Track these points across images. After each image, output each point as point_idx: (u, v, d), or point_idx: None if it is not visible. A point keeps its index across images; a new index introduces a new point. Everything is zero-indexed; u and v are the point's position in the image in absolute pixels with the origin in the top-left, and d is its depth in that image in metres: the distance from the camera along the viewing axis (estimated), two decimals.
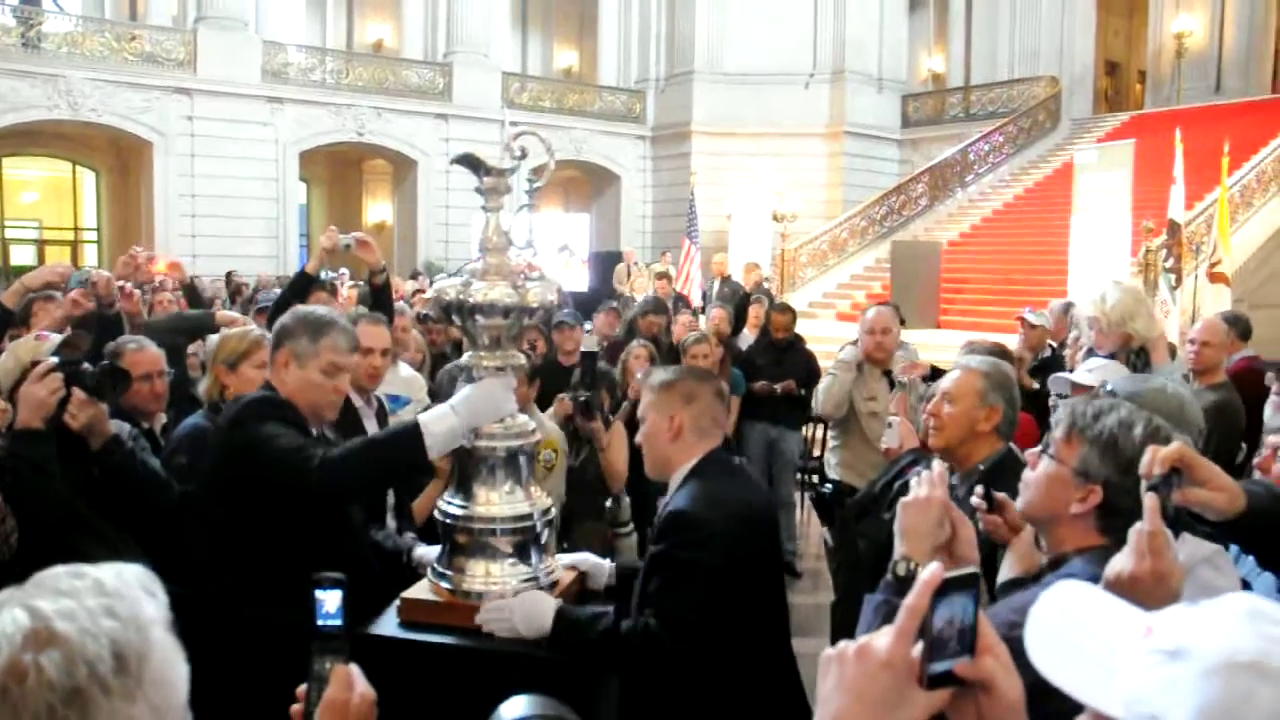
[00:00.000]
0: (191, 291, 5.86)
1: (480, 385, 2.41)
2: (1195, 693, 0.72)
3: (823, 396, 5.02)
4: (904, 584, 1.60)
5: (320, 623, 1.45)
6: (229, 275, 13.54)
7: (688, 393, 2.43)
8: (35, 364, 2.64)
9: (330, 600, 1.45)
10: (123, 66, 18.10)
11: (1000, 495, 2.05)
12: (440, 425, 2.32)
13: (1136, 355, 3.86)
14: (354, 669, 1.39)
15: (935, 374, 4.88)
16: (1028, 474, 1.84)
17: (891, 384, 4.89)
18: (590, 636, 2.23)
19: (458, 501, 2.44)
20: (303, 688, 1.40)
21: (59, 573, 0.85)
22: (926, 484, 1.74)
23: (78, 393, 2.61)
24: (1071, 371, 4.48)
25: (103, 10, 21.25)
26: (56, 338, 3.10)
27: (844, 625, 2.38)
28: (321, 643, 1.42)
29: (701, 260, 16.18)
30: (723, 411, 2.50)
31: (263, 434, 2.38)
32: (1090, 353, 4.02)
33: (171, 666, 0.85)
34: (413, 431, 2.31)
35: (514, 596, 2.33)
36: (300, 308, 2.80)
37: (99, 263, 19.33)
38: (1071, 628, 0.84)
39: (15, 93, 17.00)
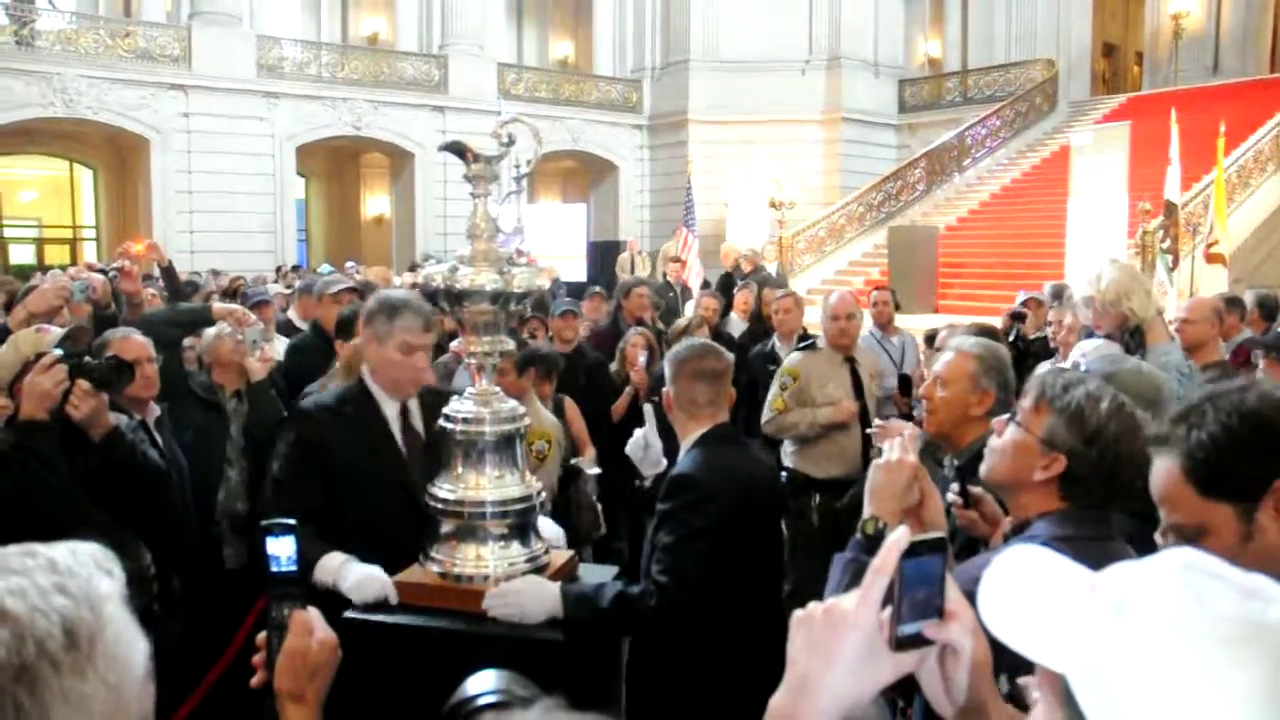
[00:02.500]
0: (169, 274, 5.87)
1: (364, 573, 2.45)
2: (1130, 641, 0.74)
3: (771, 424, 4.84)
4: (872, 542, 1.64)
5: (275, 570, 1.46)
6: (214, 273, 13.35)
7: (672, 373, 2.64)
8: (38, 357, 2.66)
9: (283, 547, 1.47)
10: (117, 63, 18.07)
11: (977, 490, 2.07)
12: (325, 568, 2.45)
13: (1131, 335, 3.81)
14: (313, 613, 1.41)
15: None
16: (993, 440, 1.87)
17: (853, 371, 4.85)
18: (603, 605, 2.31)
19: (447, 486, 2.46)
20: (263, 635, 1.42)
21: (11, 552, 0.85)
22: (899, 448, 1.80)
23: (81, 385, 2.64)
24: (1058, 352, 4.47)
25: (97, 7, 21.21)
26: (59, 331, 3.12)
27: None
28: (278, 589, 1.44)
29: (700, 249, 16.19)
30: (706, 391, 2.61)
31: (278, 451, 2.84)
32: (1089, 333, 4.00)
33: (127, 643, 0.85)
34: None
35: (512, 582, 2.37)
36: (382, 290, 2.96)
37: (98, 260, 19.34)
38: (1020, 588, 0.86)
39: (10, 91, 16.97)
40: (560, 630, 2.29)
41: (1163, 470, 1.42)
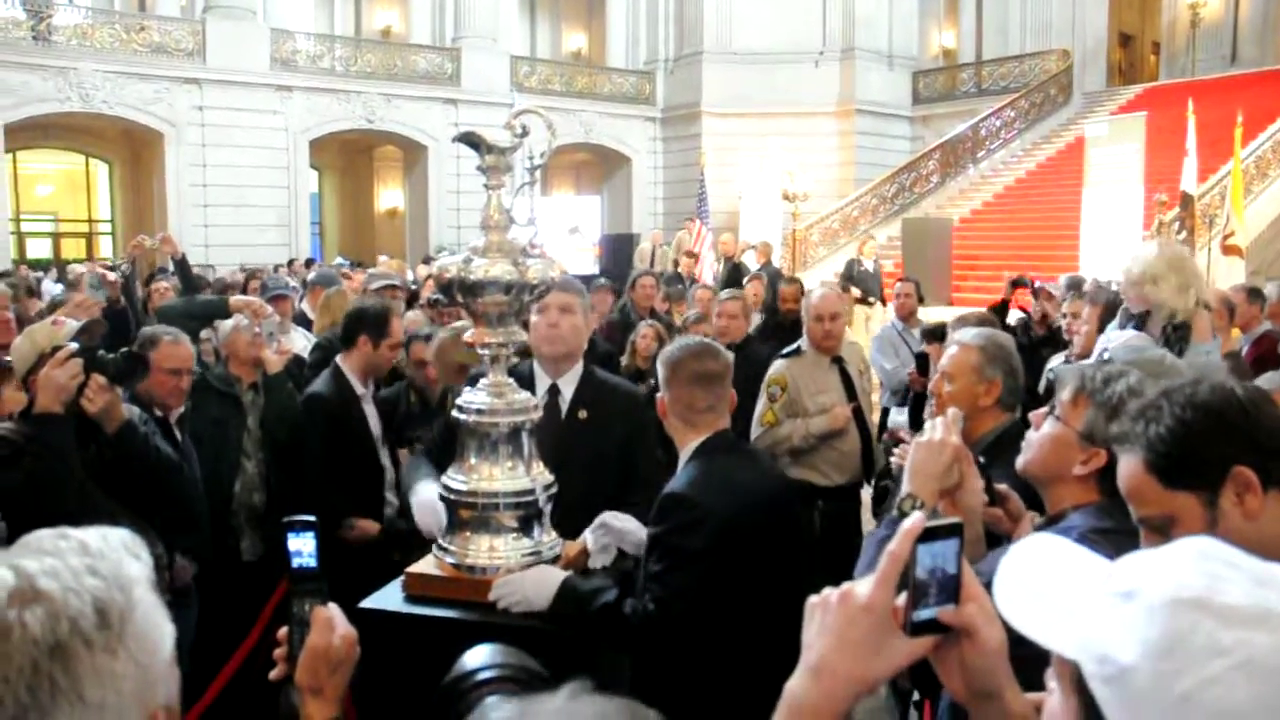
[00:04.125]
0: (183, 267, 5.92)
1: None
2: (1142, 628, 0.74)
3: (762, 439, 4.43)
4: None
5: (296, 565, 1.46)
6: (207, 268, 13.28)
7: (665, 377, 2.47)
8: (54, 350, 2.68)
9: (304, 543, 1.47)
10: (133, 58, 18.18)
11: (1001, 487, 2.01)
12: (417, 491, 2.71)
13: (1175, 330, 3.59)
14: (334, 609, 1.42)
15: (936, 333, 4.79)
16: (1031, 434, 1.85)
17: (843, 373, 4.57)
18: (589, 610, 2.25)
19: (460, 477, 2.47)
20: (284, 631, 1.42)
21: (44, 535, 0.87)
22: (942, 427, 1.75)
23: (96, 378, 2.66)
24: (1071, 343, 4.41)
25: (112, 2, 21.32)
26: (74, 324, 3.15)
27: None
28: (299, 585, 1.44)
29: (713, 241, 16.18)
30: (705, 395, 2.43)
31: None
32: (1128, 317, 3.88)
33: (154, 624, 0.87)
34: None
35: (523, 571, 2.37)
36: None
37: (114, 253, 19.49)
38: (1037, 576, 0.86)
39: (27, 86, 17.11)
40: (562, 622, 2.27)
41: (1126, 466, 1.44)
